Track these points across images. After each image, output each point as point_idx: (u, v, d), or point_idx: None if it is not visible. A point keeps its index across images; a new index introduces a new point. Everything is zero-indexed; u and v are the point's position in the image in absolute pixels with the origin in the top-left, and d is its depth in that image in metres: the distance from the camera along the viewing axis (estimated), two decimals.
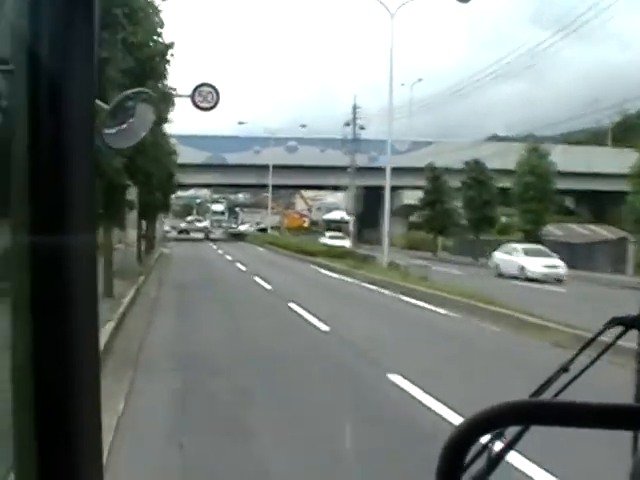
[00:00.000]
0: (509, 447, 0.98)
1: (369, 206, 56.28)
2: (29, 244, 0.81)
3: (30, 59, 0.79)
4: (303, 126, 56.00)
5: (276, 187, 61.86)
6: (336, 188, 71.16)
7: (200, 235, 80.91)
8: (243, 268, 26.43)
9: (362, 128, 54.68)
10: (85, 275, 0.84)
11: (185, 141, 54.50)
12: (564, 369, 1.14)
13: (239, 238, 64.64)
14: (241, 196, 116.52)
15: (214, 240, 60.78)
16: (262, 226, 59.41)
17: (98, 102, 0.96)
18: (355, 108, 55.22)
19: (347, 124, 54.83)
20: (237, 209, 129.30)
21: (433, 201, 39.92)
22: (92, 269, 0.86)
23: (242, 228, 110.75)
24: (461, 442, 0.76)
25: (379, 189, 61.47)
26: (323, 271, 26.56)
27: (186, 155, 50.00)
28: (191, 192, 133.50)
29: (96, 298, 0.88)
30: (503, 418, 0.79)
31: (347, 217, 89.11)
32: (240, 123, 54.46)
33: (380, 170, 59.85)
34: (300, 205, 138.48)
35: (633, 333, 1.12)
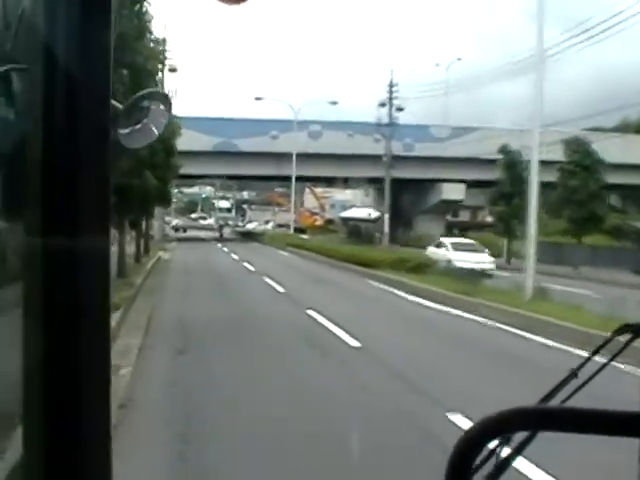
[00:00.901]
0: (517, 452, 0.98)
1: (400, 202, 46.59)
2: (41, 248, 0.81)
3: (45, 59, 0.79)
4: (334, 103, 46.56)
5: (297, 179, 52.25)
6: (346, 181, 61.46)
7: (204, 234, 71.25)
8: (280, 288, 17.07)
9: (400, 109, 45.40)
10: (98, 279, 0.85)
11: (190, 124, 44.92)
12: (573, 375, 1.14)
13: (251, 238, 55.14)
14: (245, 193, 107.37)
15: (221, 240, 51.97)
16: (298, 225, 49.14)
17: (112, 102, 0.94)
18: (392, 86, 45.53)
19: (382, 104, 45.31)
20: (244, 206, 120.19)
21: (509, 194, 30.34)
22: (105, 273, 0.86)
23: (250, 226, 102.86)
24: (469, 447, 0.77)
25: (415, 182, 52.36)
26: (423, 302, 15.66)
27: (191, 141, 40.82)
28: (195, 189, 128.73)
29: (109, 302, 0.88)
30: (512, 423, 0.80)
31: (372, 214, 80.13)
32: (257, 99, 45.27)
33: (417, 160, 50.74)
34: (309, 202, 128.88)
35: None
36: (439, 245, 30.34)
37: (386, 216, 46.63)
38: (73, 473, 0.84)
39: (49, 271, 0.82)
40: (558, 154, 36.33)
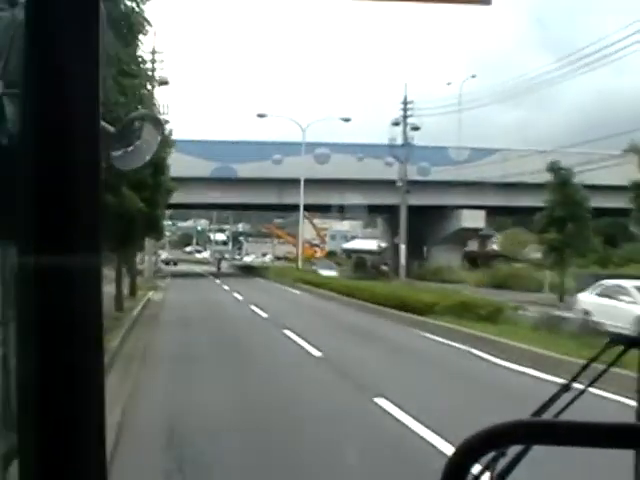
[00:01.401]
0: (512, 466, 1.00)
1: (414, 231, 41.79)
2: (34, 265, 0.83)
3: (35, 84, 0.83)
4: (346, 120, 41.89)
5: (292, 208, 47.38)
6: (341, 209, 56.68)
7: (199, 268, 66.28)
8: (312, 349, 12.19)
9: (416, 128, 40.59)
10: (91, 297, 0.86)
11: (185, 147, 40.16)
12: (565, 388, 1.15)
13: (251, 273, 49.98)
14: (240, 226, 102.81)
15: (219, 275, 47.13)
16: (331, 272, 42.02)
17: (104, 124, 0.98)
18: (406, 103, 40.95)
19: (396, 123, 40.63)
20: (241, 239, 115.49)
21: (560, 219, 25.46)
22: (98, 290, 0.87)
23: (247, 259, 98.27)
24: (463, 461, 0.77)
25: (430, 209, 47.53)
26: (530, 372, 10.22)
27: (186, 166, 36.02)
28: (190, 222, 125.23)
29: (101, 319, 0.88)
30: (504, 438, 0.80)
31: (377, 245, 75.69)
32: (260, 116, 40.48)
33: (433, 185, 45.99)
34: (308, 233, 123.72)
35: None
36: (611, 292, 17.06)
37: (402, 247, 41.74)
38: None
39: (42, 289, 0.83)
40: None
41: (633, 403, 1.19)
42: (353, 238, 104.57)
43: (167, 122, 17.95)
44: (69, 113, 0.84)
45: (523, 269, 34.48)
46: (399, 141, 41.00)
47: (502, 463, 0.96)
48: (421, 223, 45.05)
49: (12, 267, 0.87)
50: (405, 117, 40.21)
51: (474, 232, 50.55)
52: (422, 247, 50.12)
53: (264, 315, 18.18)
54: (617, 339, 1.18)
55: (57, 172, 0.83)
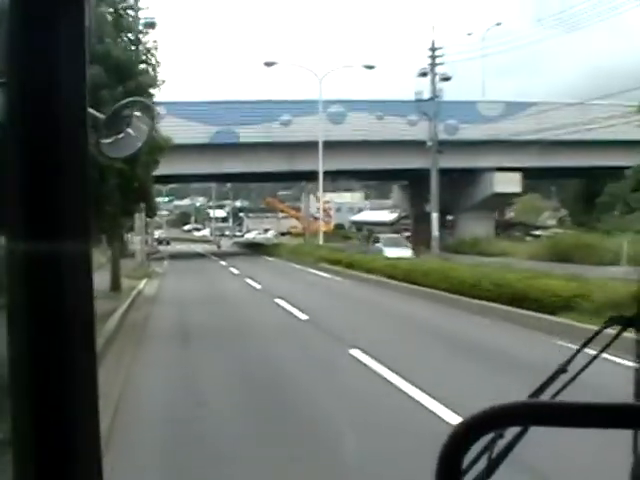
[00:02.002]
0: (510, 448, 1.00)
1: (440, 198, 35.81)
2: (23, 253, 0.84)
3: (21, 71, 0.84)
4: (369, 67, 35.68)
5: (309, 177, 41.36)
6: (356, 176, 50.77)
7: (200, 248, 60.71)
8: (429, 402, 6.13)
9: (446, 79, 34.42)
10: (82, 283, 0.87)
11: (181, 110, 33.99)
12: (562, 369, 1.15)
13: (258, 251, 43.97)
14: (238, 202, 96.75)
15: (222, 256, 41.80)
16: (403, 251, 33.88)
17: (92, 111, 1.00)
18: (434, 49, 34.64)
19: (423, 74, 34.35)
20: (241, 214, 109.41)
21: None
22: (89, 276, 0.88)
23: (249, 236, 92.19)
24: (460, 443, 0.76)
25: (459, 173, 41.34)
26: None
27: (183, 132, 30.03)
28: (187, 200, 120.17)
29: (93, 306, 0.90)
30: (503, 419, 0.80)
31: (393, 216, 69.71)
32: (268, 64, 34.29)
33: (462, 145, 39.63)
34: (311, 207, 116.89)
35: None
36: None
37: (434, 216, 35.81)
38: (63, 476, 0.85)
39: (32, 276, 0.84)
40: None
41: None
42: (360, 210, 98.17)
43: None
44: (56, 100, 0.83)
45: (591, 237, 28.38)
46: (425, 95, 34.56)
47: (500, 445, 0.94)
48: (447, 189, 39.04)
49: (1, 254, 0.85)
50: (434, 65, 33.80)
51: (508, 197, 44.37)
52: (446, 216, 44.17)
53: (302, 317, 12.18)
54: (614, 319, 1.16)
55: (45, 159, 0.83)
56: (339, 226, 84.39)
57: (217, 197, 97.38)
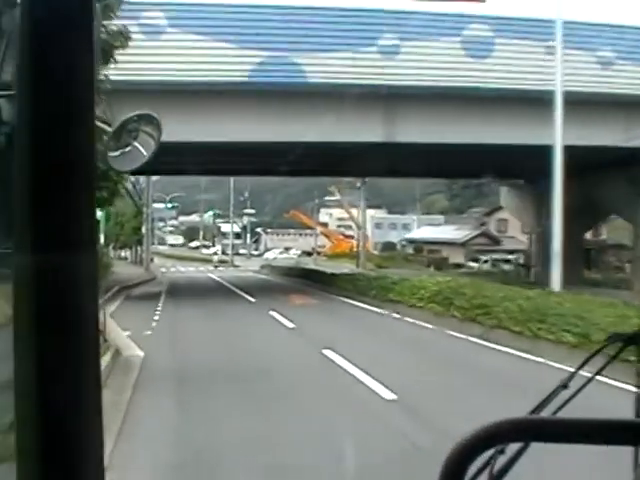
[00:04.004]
0: (511, 463, 1.01)
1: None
2: (31, 265, 0.86)
3: (32, 84, 0.86)
4: None
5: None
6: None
7: (214, 275, 43.45)
8: None
9: None
10: (87, 295, 0.89)
11: (187, 20, 14.36)
12: (564, 385, 1.15)
13: (312, 282, 30.99)
14: (246, 218, 79.74)
15: (256, 291, 27.08)
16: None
17: (101, 125, 1.06)
18: None
19: None
20: (259, 230, 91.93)
21: None
22: (94, 288, 0.91)
23: (270, 256, 75.80)
24: (462, 458, 0.77)
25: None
26: None
27: (194, 58, 11.42)
28: (194, 217, 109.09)
29: (97, 318, 0.93)
30: (504, 435, 0.80)
31: (457, 234, 53.40)
32: None
33: None
34: (331, 222, 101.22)
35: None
36: None
37: (556, 229, 17.39)
38: None
39: (39, 288, 0.85)
40: None
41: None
42: (406, 226, 79.79)
43: None
44: (64, 114, 0.85)
45: None
46: None
47: (501, 461, 0.94)
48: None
49: (9, 267, 0.88)
50: None
51: None
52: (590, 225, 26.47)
53: None
54: (616, 336, 1.16)
55: (53, 173, 0.85)
56: (388, 245, 66.48)
57: (225, 210, 79.53)
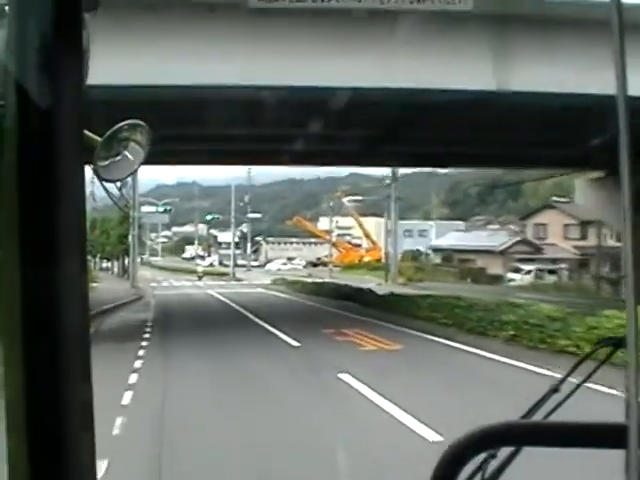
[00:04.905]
0: (502, 468, 0.99)
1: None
2: (20, 278, 0.85)
3: (18, 93, 0.86)
4: None
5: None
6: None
7: (201, 285, 37.60)
8: None
9: None
10: (77, 309, 0.89)
11: None
12: (554, 390, 1.14)
13: (361, 308, 22.88)
14: (245, 227, 73.09)
15: (265, 317, 20.27)
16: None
17: (89, 134, 1.07)
18: None
19: None
20: (258, 239, 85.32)
21: None
22: (84, 303, 0.91)
23: (272, 267, 69.08)
24: (454, 462, 0.77)
25: None
26: None
27: None
28: (187, 227, 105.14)
29: (89, 333, 0.92)
30: (496, 439, 0.81)
31: (494, 241, 47.46)
32: None
33: None
34: (333, 229, 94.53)
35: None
36: None
37: None
38: None
39: (27, 303, 0.85)
40: None
41: None
42: (423, 232, 73.00)
43: None
44: (52, 123, 0.85)
45: None
46: None
47: (493, 465, 0.91)
48: None
49: None
50: None
51: None
52: None
53: None
54: (606, 340, 1.14)
55: (40, 182, 0.85)
56: (410, 254, 59.75)
57: (225, 215, 73.77)
